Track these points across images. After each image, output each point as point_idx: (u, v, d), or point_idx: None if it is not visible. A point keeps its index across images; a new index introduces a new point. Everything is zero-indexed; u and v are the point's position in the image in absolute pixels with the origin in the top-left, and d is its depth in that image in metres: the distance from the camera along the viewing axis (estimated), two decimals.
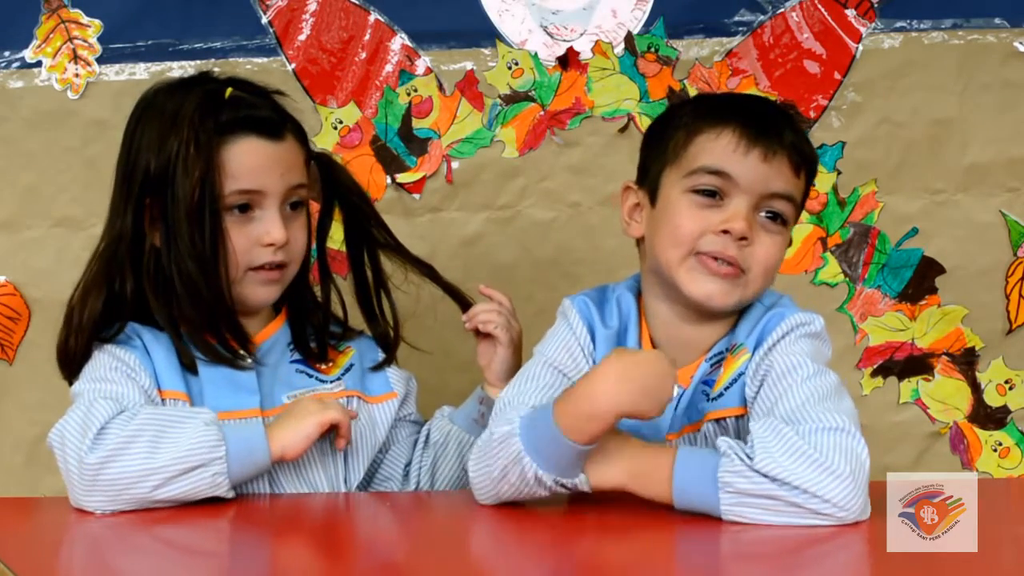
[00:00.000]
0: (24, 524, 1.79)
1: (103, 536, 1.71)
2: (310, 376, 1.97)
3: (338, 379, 1.98)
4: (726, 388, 1.77)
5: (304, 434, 1.82)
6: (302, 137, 1.96)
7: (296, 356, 1.98)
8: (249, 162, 1.88)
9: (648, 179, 1.83)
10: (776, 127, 1.77)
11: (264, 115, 1.91)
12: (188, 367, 1.90)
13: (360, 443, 1.95)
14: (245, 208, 1.89)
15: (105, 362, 1.87)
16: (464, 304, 2.07)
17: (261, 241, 1.90)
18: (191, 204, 1.86)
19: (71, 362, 1.91)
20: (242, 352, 1.91)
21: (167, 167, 1.87)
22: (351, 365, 2.00)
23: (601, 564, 1.58)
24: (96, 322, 1.91)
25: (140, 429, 1.76)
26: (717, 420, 1.77)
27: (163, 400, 1.87)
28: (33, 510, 1.81)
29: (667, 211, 1.78)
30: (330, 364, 1.99)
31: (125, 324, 1.91)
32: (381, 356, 2.03)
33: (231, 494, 1.78)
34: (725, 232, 1.74)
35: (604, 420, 1.63)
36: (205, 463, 1.76)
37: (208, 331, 1.90)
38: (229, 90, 1.92)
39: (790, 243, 1.82)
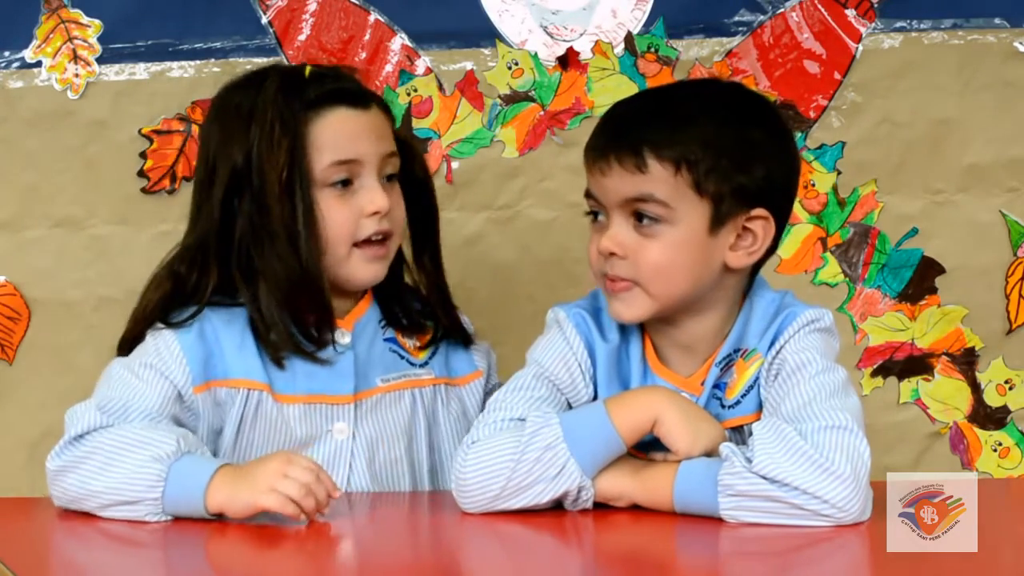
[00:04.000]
0: (24, 524, 1.79)
1: (103, 536, 1.71)
2: (402, 358, 1.95)
3: (426, 364, 1.97)
4: (743, 395, 1.76)
5: (245, 504, 1.71)
6: (387, 108, 1.96)
7: (389, 334, 1.96)
8: (342, 132, 1.88)
9: None
10: (617, 133, 1.74)
11: (350, 86, 1.92)
12: (274, 358, 1.88)
13: (453, 434, 1.95)
14: (346, 183, 1.88)
15: (140, 358, 1.85)
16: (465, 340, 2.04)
17: (364, 211, 1.88)
18: (281, 185, 1.85)
19: (126, 347, 1.90)
20: (325, 340, 1.89)
21: (250, 156, 1.86)
22: (435, 347, 1.99)
23: (601, 563, 1.59)
24: (157, 312, 1.89)
25: (96, 449, 1.75)
26: (735, 428, 1.76)
27: (213, 389, 1.86)
28: (33, 510, 1.81)
29: None
30: (418, 345, 1.97)
31: (199, 311, 1.88)
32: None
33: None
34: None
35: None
36: (139, 500, 1.73)
37: (293, 316, 1.87)
38: (308, 68, 1.92)
39: (725, 221, 1.73)
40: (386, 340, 1.96)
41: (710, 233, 1.71)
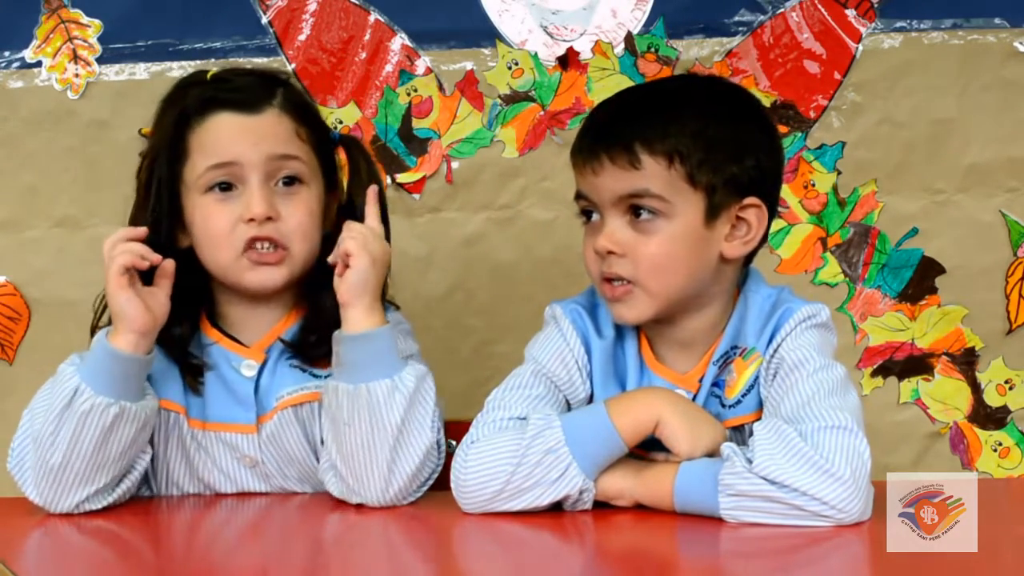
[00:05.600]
0: (24, 524, 1.79)
1: (104, 536, 1.71)
2: (304, 371, 1.89)
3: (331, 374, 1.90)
4: (743, 395, 1.76)
5: (120, 306, 1.77)
6: (301, 113, 1.89)
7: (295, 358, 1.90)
8: (219, 136, 1.84)
9: None
10: (606, 131, 1.74)
11: (237, 90, 1.87)
12: (191, 380, 1.87)
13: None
14: (227, 187, 1.84)
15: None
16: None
17: (243, 217, 1.82)
18: (165, 191, 1.85)
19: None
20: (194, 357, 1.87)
21: (152, 159, 1.88)
22: None
23: (601, 563, 1.59)
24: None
25: (28, 424, 1.82)
26: (736, 427, 1.76)
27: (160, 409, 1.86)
28: (33, 510, 1.81)
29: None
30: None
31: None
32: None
33: (121, 405, 1.77)
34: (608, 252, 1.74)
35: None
36: (70, 399, 1.77)
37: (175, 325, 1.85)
38: (211, 71, 1.90)
39: (718, 214, 1.73)
40: (290, 358, 1.89)
41: (706, 225, 1.73)
